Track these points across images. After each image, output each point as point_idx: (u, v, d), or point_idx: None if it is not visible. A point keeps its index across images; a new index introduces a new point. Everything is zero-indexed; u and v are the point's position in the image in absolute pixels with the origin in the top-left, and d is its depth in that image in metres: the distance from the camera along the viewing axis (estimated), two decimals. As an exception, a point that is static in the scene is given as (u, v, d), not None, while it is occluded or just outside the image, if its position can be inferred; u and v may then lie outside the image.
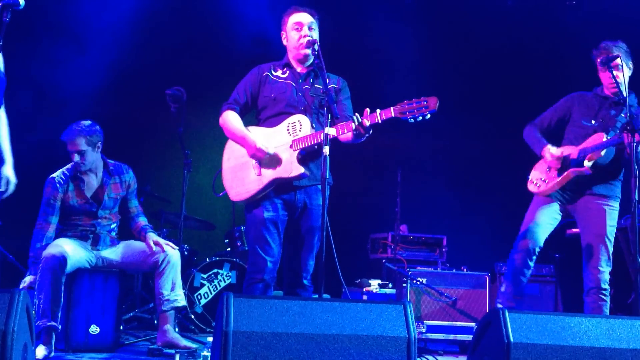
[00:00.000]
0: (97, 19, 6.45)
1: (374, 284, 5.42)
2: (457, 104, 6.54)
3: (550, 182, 4.12)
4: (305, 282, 3.65)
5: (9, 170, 3.22)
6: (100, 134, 4.39)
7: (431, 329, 5.04)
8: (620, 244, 5.43)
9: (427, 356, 3.82)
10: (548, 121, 4.35)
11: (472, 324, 5.06)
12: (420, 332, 4.98)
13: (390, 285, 5.47)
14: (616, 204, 4.10)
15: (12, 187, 3.23)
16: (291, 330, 2.57)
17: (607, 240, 4.01)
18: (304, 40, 3.66)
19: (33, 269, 4.16)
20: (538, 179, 4.20)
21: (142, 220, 4.56)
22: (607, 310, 3.97)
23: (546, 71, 6.88)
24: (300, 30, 3.70)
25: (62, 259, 4.02)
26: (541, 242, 4.12)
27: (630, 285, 4.55)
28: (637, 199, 3.66)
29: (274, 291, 3.76)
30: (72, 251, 4.13)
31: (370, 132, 3.43)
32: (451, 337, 5.07)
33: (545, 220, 4.14)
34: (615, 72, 4.01)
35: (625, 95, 3.97)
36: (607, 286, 3.99)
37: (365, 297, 5.32)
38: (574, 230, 5.96)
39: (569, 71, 6.31)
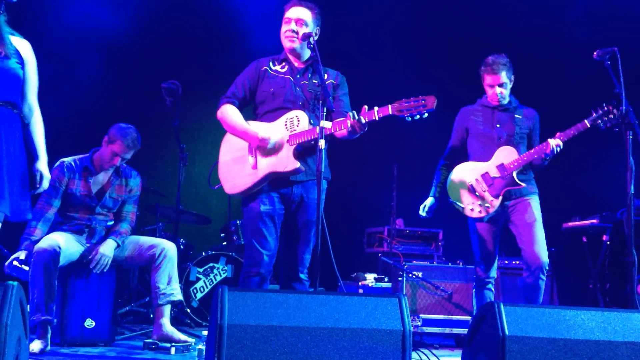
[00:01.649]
0: (92, 12, 6.43)
1: (370, 278, 5.43)
2: (454, 98, 6.53)
3: (493, 205, 4.29)
4: (301, 275, 3.65)
5: (43, 165, 3.25)
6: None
7: (427, 322, 5.05)
8: (615, 237, 5.45)
9: (422, 350, 3.82)
10: (453, 145, 4.60)
11: (468, 318, 5.07)
12: (416, 326, 4.99)
13: (386, 279, 5.47)
14: (537, 198, 4.35)
15: (45, 183, 3.26)
16: (286, 323, 2.57)
17: (539, 224, 4.23)
18: (285, 35, 3.70)
19: (25, 245, 4.12)
20: (472, 203, 4.35)
21: (121, 226, 4.46)
22: (542, 289, 4.19)
23: (543, 68, 6.87)
24: (288, 24, 3.71)
25: (54, 253, 4.00)
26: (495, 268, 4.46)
27: (625, 278, 4.56)
28: (632, 192, 3.67)
29: (270, 285, 3.77)
30: (65, 244, 4.11)
31: (366, 128, 3.43)
32: (447, 330, 5.08)
33: (495, 247, 4.41)
34: (500, 90, 4.34)
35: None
36: (547, 266, 4.19)
37: (361, 291, 5.33)
38: (570, 224, 5.99)
39: (569, 69, 6.32)
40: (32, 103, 3.24)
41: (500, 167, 4.28)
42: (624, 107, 3.81)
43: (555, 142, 4.12)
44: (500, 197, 4.28)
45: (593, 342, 2.77)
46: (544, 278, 4.18)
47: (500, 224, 4.38)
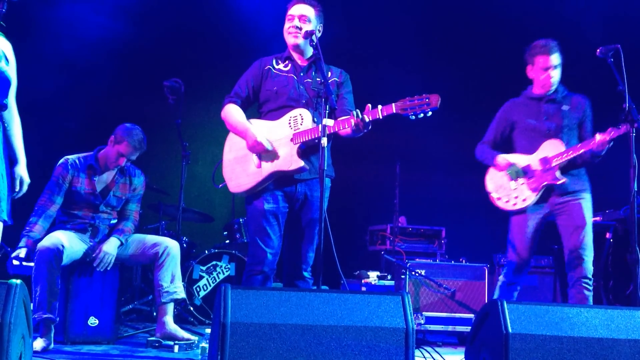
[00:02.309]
0: (93, 10, 6.43)
1: (373, 276, 5.43)
2: (457, 96, 6.53)
3: (529, 198, 4.12)
4: (305, 273, 3.65)
5: (22, 170, 3.20)
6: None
7: (430, 320, 5.05)
8: (619, 235, 5.44)
9: (425, 347, 3.82)
10: (493, 136, 4.39)
11: (471, 316, 5.07)
12: (419, 324, 4.99)
13: (389, 277, 5.48)
14: (589, 196, 4.12)
15: (25, 187, 3.23)
16: (289, 321, 2.57)
17: (587, 230, 4.02)
18: (289, 31, 3.69)
19: (24, 242, 4.11)
20: (507, 195, 4.20)
21: (124, 225, 4.45)
22: (591, 301, 3.98)
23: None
24: (291, 20, 3.71)
25: (57, 251, 4.01)
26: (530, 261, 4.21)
27: (628, 276, 4.55)
28: (635, 189, 3.66)
29: (273, 283, 3.77)
30: (69, 243, 4.12)
31: (370, 127, 3.42)
32: (450, 328, 5.08)
33: (531, 242, 4.16)
34: (554, 72, 4.14)
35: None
36: (591, 276, 3.99)
37: (364, 289, 5.33)
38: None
39: (570, 65, 6.29)
40: (12, 104, 3.15)
41: (543, 160, 4.09)
42: (627, 105, 3.80)
43: (600, 138, 3.87)
44: (539, 192, 4.09)
45: (596, 340, 2.77)
46: (590, 288, 3.96)
47: (541, 219, 4.15)
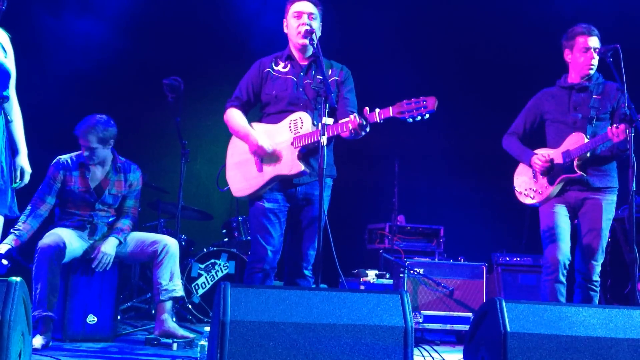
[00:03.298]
0: (94, 8, 6.43)
1: (371, 275, 5.44)
2: (455, 94, 6.54)
3: (545, 192, 4.05)
4: (306, 272, 3.65)
5: (23, 160, 3.23)
6: (114, 131, 4.34)
7: (428, 319, 5.06)
8: (617, 235, 5.45)
9: (424, 346, 3.83)
10: (522, 127, 4.28)
11: (469, 314, 5.08)
12: (417, 322, 4.99)
13: (387, 276, 5.48)
14: (612, 197, 4.03)
15: (27, 178, 3.25)
16: (288, 319, 2.58)
17: (602, 234, 3.95)
18: (302, 29, 3.63)
19: (10, 238, 4.06)
20: (528, 189, 4.12)
21: (122, 223, 4.43)
22: (597, 302, 3.97)
23: (548, 62, 6.84)
24: (299, 18, 3.66)
25: (57, 249, 4.01)
26: (569, 255, 4.00)
27: (626, 275, 4.57)
28: (634, 189, 3.66)
29: (274, 282, 3.78)
30: (69, 240, 4.13)
31: (368, 129, 3.42)
32: (448, 327, 5.09)
33: (565, 230, 4.00)
34: (594, 54, 4.00)
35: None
36: (598, 278, 3.97)
37: (362, 288, 5.34)
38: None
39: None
40: (12, 96, 3.19)
41: (565, 153, 3.98)
42: (626, 104, 3.80)
43: (614, 130, 3.73)
44: (557, 185, 3.98)
45: (594, 339, 2.77)
46: (596, 289, 3.93)
47: (566, 210, 4.03)
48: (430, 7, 7.12)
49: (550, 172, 4.03)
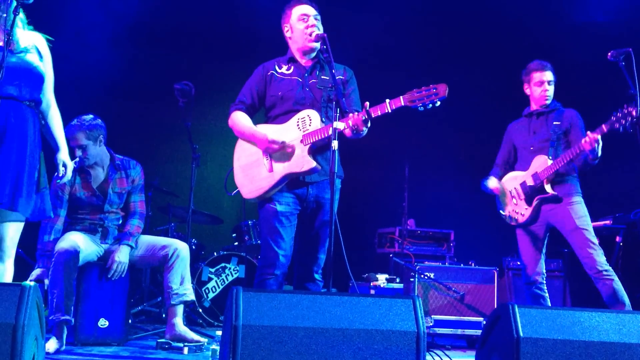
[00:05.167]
0: (104, 12, 6.46)
1: (382, 279, 5.43)
2: (466, 98, 6.52)
3: (527, 213, 4.41)
4: (316, 276, 3.62)
5: (64, 155, 3.36)
6: (101, 127, 4.37)
7: (439, 323, 5.05)
8: (629, 239, 5.42)
9: (435, 351, 3.82)
10: (502, 160, 4.70)
11: (480, 319, 5.06)
12: (428, 327, 4.98)
13: (397, 280, 5.47)
14: (576, 198, 4.31)
15: (69, 171, 3.37)
16: (300, 324, 2.57)
17: (583, 230, 4.20)
18: (310, 31, 3.62)
19: (41, 261, 4.17)
20: (512, 212, 4.51)
21: (131, 224, 4.46)
22: (618, 286, 4.08)
23: (559, 62, 6.82)
24: (307, 21, 3.65)
25: (74, 253, 4.04)
26: (543, 270, 4.43)
27: (638, 279, 4.54)
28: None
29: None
30: (83, 244, 4.15)
31: (369, 124, 3.38)
32: (459, 331, 5.07)
33: (538, 252, 4.42)
34: (548, 87, 4.45)
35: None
36: (606, 267, 4.12)
37: (372, 292, 5.33)
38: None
39: (581, 68, 6.29)
40: (50, 98, 3.31)
41: (535, 175, 4.36)
42: (638, 108, 3.79)
43: (590, 137, 4.02)
44: (534, 205, 4.36)
45: (608, 344, 2.75)
46: (610, 276, 4.10)
47: (542, 228, 4.41)
48: (442, 6, 7.10)
49: (524, 194, 4.43)
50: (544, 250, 4.43)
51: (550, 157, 4.32)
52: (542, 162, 4.35)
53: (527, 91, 4.54)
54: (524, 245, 4.46)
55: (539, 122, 4.48)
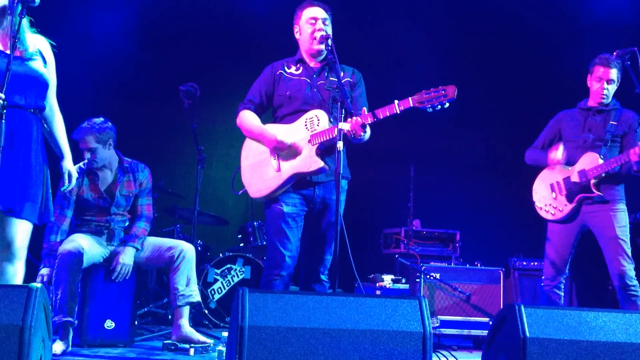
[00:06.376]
0: (110, 14, 6.47)
1: (387, 279, 5.42)
2: (472, 98, 6.51)
3: (566, 210, 4.28)
4: (322, 277, 3.63)
5: (69, 163, 3.32)
6: (112, 130, 4.38)
7: (445, 324, 5.04)
8: (636, 240, 5.40)
9: (441, 351, 3.81)
10: (542, 143, 4.53)
11: (486, 319, 5.05)
12: (434, 327, 4.97)
13: (403, 281, 5.46)
14: (621, 206, 4.20)
15: (74, 180, 3.34)
16: (307, 325, 2.57)
17: (620, 241, 4.11)
18: (318, 35, 3.63)
19: (47, 260, 4.18)
20: (548, 205, 4.36)
21: (137, 226, 4.46)
22: (636, 303, 4.05)
23: (565, 63, 6.81)
24: (314, 24, 3.66)
25: (78, 255, 4.05)
26: (567, 270, 4.37)
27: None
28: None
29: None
30: (88, 246, 4.16)
31: (368, 130, 3.40)
32: (465, 332, 5.06)
33: (567, 251, 4.32)
34: (607, 86, 4.23)
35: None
36: (634, 282, 4.08)
37: (378, 292, 5.32)
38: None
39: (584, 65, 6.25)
40: (53, 103, 3.28)
41: (581, 172, 4.22)
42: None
43: (637, 150, 3.95)
44: (575, 203, 4.24)
45: (615, 344, 2.74)
46: (633, 291, 4.06)
47: (577, 229, 4.29)
48: (452, 7, 7.09)
49: (567, 189, 4.28)
50: (572, 251, 4.32)
51: (602, 157, 4.17)
52: (591, 160, 4.19)
53: (589, 83, 4.32)
54: (555, 241, 4.32)
55: (595, 120, 4.28)
